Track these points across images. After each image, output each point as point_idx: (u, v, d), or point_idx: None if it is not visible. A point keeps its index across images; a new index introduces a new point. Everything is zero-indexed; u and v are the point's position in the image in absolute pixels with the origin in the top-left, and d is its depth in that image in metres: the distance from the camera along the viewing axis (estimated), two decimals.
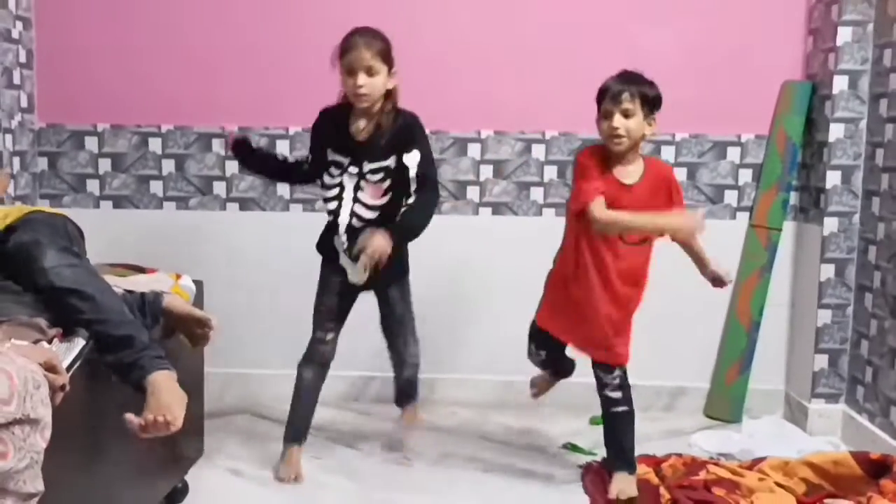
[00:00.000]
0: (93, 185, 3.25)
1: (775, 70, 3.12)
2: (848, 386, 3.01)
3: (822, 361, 3.02)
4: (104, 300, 1.74)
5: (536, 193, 3.21)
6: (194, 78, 3.18)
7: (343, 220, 2.43)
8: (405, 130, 2.42)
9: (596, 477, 2.59)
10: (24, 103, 3.11)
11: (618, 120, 2.28)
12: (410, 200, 2.44)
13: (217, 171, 3.24)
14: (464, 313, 3.21)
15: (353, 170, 2.42)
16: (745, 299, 3.17)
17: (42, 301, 1.73)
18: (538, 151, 3.20)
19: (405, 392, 2.86)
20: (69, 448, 1.57)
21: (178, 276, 2.27)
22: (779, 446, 2.75)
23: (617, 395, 2.45)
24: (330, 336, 2.56)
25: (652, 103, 2.32)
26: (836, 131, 2.93)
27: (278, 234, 3.19)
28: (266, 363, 3.26)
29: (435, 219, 3.19)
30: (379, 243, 2.32)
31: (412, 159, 2.41)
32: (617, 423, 2.47)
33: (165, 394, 1.70)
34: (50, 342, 1.64)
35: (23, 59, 3.10)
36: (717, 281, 2.48)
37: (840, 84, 2.92)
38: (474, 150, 3.21)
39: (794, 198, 3.16)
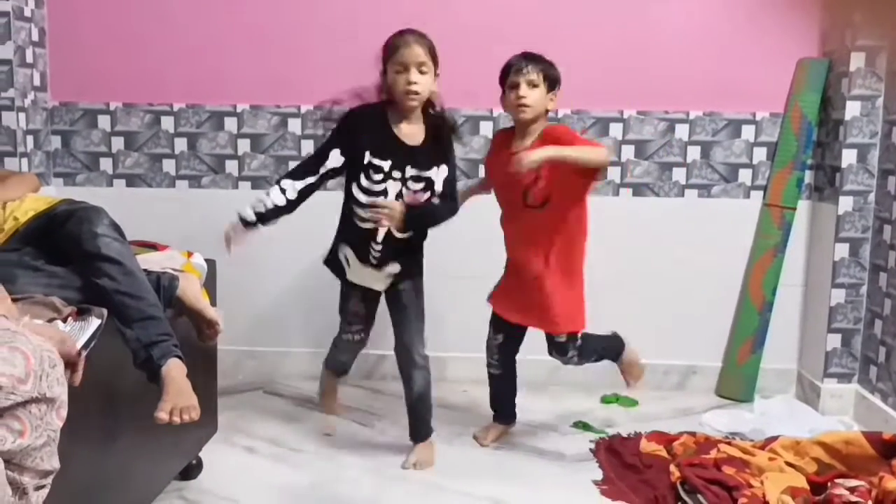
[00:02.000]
0: (106, 164, 3.26)
1: (791, 47, 3.09)
2: (861, 366, 3.00)
3: (835, 341, 3.01)
4: (142, 279, 1.85)
5: None
6: (206, 56, 3.18)
7: (381, 234, 2.37)
8: (444, 140, 2.41)
9: (609, 453, 2.60)
10: (36, 82, 3.12)
11: (524, 89, 2.39)
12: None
13: (229, 150, 3.24)
14: (475, 292, 3.21)
15: (397, 174, 2.34)
16: (758, 279, 3.15)
17: (78, 267, 1.82)
18: None
19: (418, 415, 2.58)
20: (85, 426, 1.59)
21: (190, 254, 2.28)
22: (790, 426, 2.76)
23: (585, 364, 2.65)
24: (358, 337, 2.63)
25: (553, 81, 2.44)
26: (852, 109, 2.90)
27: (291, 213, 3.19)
28: (278, 341, 3.28)
29: None
30: (395, 205, 2.33)
31: (440, 174, 2.40)
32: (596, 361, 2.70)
33: (182, 381, 1.79)
34: (65, 321, 1.66)
35: (35, 37, 3.10)
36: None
37: (857, 61, 2.88)
38: (486, 128, 3.19)
39: (808, 176, 3.13)
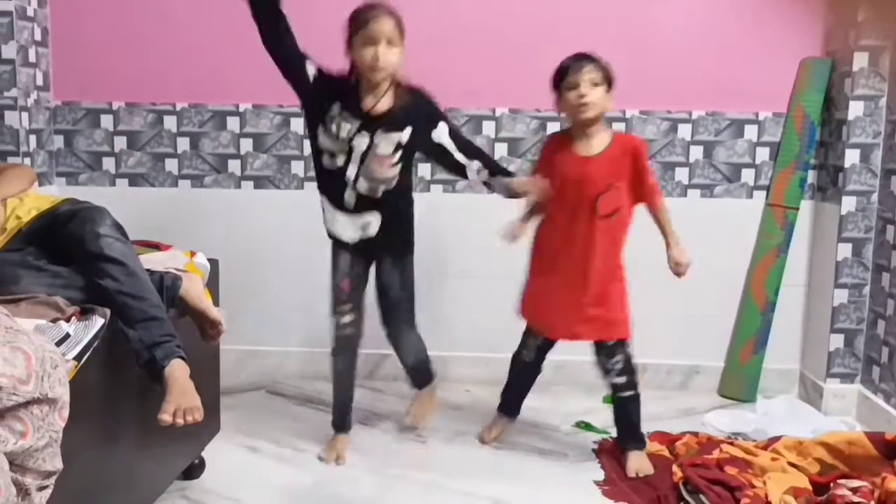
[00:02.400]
0: (108, 163, 3.26)
1: (794, 47, 3.08)
2: (863, 366, 2.99)
3: (837, 341, 3.01)
4: (144, 279, 1.85)
5: None
6: (209, 56, 3.18)
7: (351, 174, 2.37)
8: (422, 105, 2.40)
9: (610, 453, 2.60)
10: (39, 81, 3.12)
11: (585, 87, 2.35)
12: (472, 162, 2.43)
13: (232, 150, 3.24)
14: (478, 292, 3.21)
15: (365, 135, 2.35)
16: (761, 279, 3.15)
17: (81, 267, 1.81)
18: (553, 129, 3.18)
19: (417, 375, 2.74)
20: (87, 426, 1.59)
21: (193, 254, 2.28)
22: (793, 426, 2.75)
23: (622, 380, 2.50)
24: (347, 318, 2.52)
25: (610, 80, 2.41)
26: (855, 109, 2.90)
27: (292, 213, 3.19)
28: (281, 340, 3.28)
29: (450, 197, 3.21)
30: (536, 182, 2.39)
31: (442, 132, 2.40)
32: (626, 406, 2.53)
33: (186, 382, 1.79)
34: (68, 321, 1.66)
35: (38, 36, 3.10)
36: (677, 267, 2.48)
37: (860, 61, 2.88)
38: (489, 128, 3.19)
39: (811, 176, 3.13)
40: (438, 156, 2.46)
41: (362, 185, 2.39)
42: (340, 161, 2.37)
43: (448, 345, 3.24)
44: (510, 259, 3.26)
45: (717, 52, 3.09)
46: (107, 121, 3.24)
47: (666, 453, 2.58)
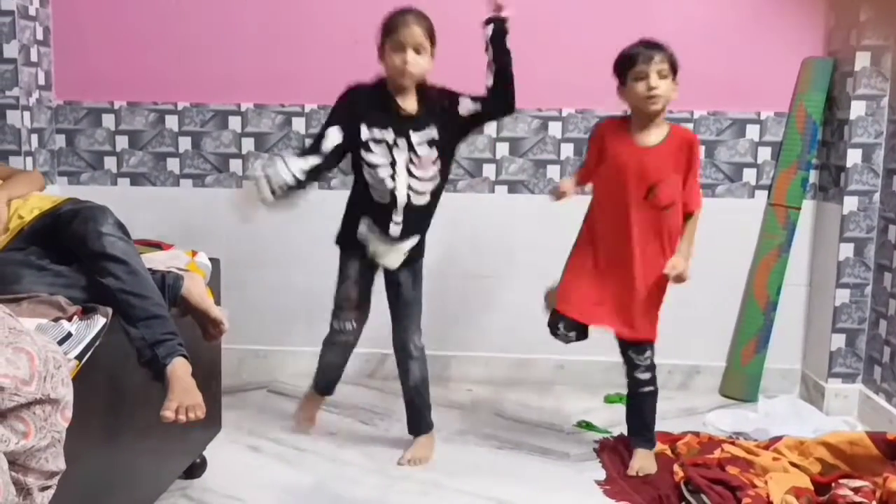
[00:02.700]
0: (110, 163, 3.27)
1: (796, 46, 3.08)
2: (865, 366, 2.99)
3: (839, 341, 3.01)
4: (146, 278, 1.85)
5: (553, 171, 3.19)
6: (211, 55, 3.18)
7: (401, 197, 2.36)
8: (441, 95, 2.40)
9: (612, 452, 2.60)
10: (41, 80, 3.12)
11: (654, 80, 2.30)
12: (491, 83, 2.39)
13: (233, 149, 3.24)
14: (480, 291, 3.21)
15: (402, 143, 2.35)
16: (763, 278, 3.15)
17: (83, 267, 1.82)
18: (555, 129, 3.18)
19: (416, 408, 2.60)
20: (89, 425, 1.59)
21: (195, 254, 2.28)
22: (794, 426, 2.75)
23: (647, 375, 2.49)
24: (349, 326, 2.52)
25: (676, 70, 2.36)
26: (857, 109, 2.89)
27: (294, 212, 3.18)
28: (283, 340, 3.29)
29: (452, 197, 3.20)
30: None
31: (465, 104, 2.38)
32: (644, 402, 2.52)
33: (187, 380, 1.79)
34: (70, 320, 1.66)
35: (40, 36, 3.11)
36: (676, 276, 2.40)
37: (862, 60, 2.87)
38: (490, 128, 3.19)
39: (813, 176, 3.12)
40: (477, 121, 2.45)
41: (415, 199, 2.38)
42: (389, 183, 2.35)
43: (450, 344, 3.24)
44: (514, 259, 3.26)
45: (718, 51, 3.09)
46: (108, 120, 3.24)
47: (668, 453, 2.58)
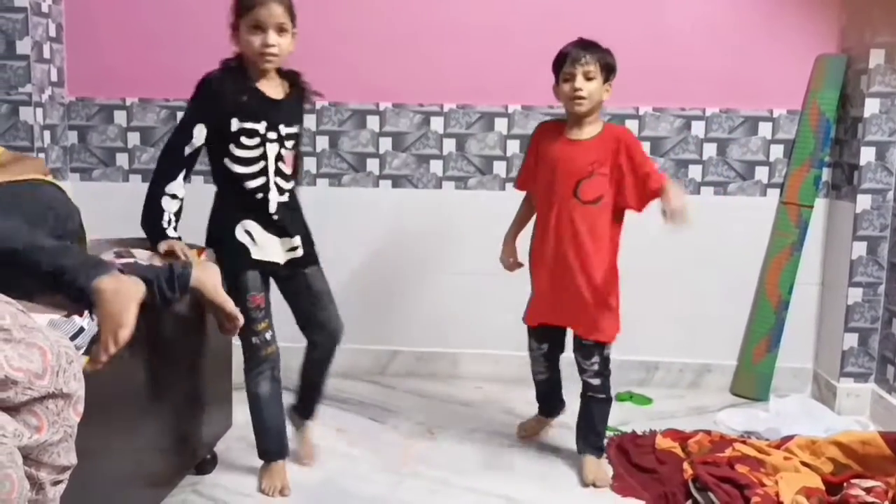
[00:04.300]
0: (122, 159, 3.28)
1: (809, 43, 3.06)
2: (878, 365, 2.97)
3: (851, 340, 2.99)
4: (24, 246, 1.61)
5: None
6: (221, 52, 3.16)
7: (274, 196, 2.19)
8: (302, 97, 2.27)
9: (619, 450, 2.60)
10: (53, 77, 3.14)
11: (580, 81, 2.29)
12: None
13: None
14: (489, 289, 3.21)
15: (273, 135, 2.16)
16: (775, 277, 3.13)
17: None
18: None
19: (312, 399, 2.50)
20: (100, 421, 1.60)
21: (202, 252, 2.25)
22: (806, 425, 2.74)
23: (596, 381, 2.43)
24: (269, 334, 2.29)
25: (609, 70, 2.34)
26: (871, 106, 2.87)
27: (305, 209, 3.19)
28: (293, 336, 3.27)
29: (462, 193, 3.21)
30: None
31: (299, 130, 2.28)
32: (592, 408, 2.46)
33: (109, 303, 1.59)
34: (82, 315, 1.66)
35: (52, 32, 3.12)
36: (672, 213, 2.22)
37: (876, 58, 2.85)
38: (501, 125, 3.18)
39: (826, 174, 3.11)
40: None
41: (283, 197, 2.22)
42: (261, 180, 2.18)
43: (459, 342, 3.24)
44: (523, 256, 3.25)
45: (731, 48, 3.07)
46: (120, 117, 3.25)
47: (678, 451, 2.57)
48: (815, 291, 3.16)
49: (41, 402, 1.25)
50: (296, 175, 2.30)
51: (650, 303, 3.17)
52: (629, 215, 2.43)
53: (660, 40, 3.09)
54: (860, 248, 2.95)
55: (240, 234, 2.20)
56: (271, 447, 2.35)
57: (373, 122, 3.20)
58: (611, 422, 2.82)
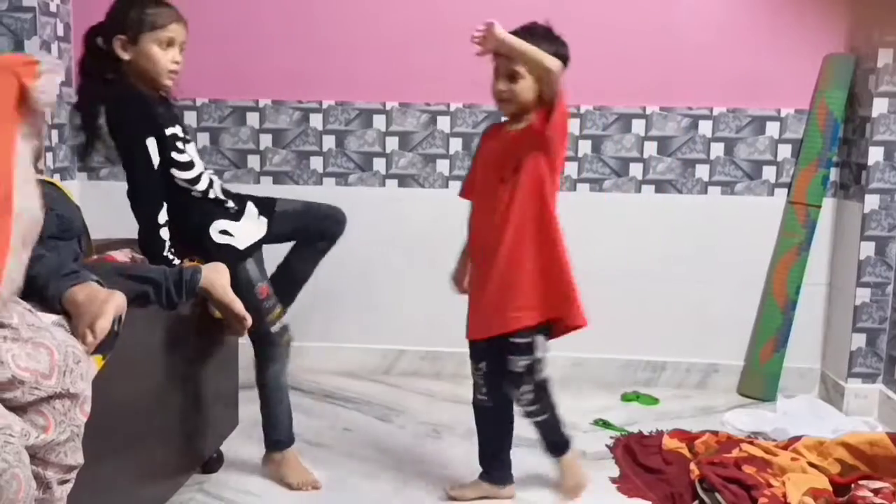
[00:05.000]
0: None
1: (817, 42, 3.05)
2: (886, 366, 2.96)
3: (859, 340, 2.98)
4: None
5: (570, 168, 3.18)
6: (228, 52, 3.18)
7: (217, 188, 2.20)
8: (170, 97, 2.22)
9: (626, 450, 2.60)
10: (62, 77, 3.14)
11: (502, 82, 2.07)
12: None
13: (251, 145, 3.25)
14: None
15: (188, 137, 2.17)
16: (782, 277, 3.12)
17: None
18: (572, 126, 3.16)
19: (295, 280, 2.42)
20: (107, 420, 1.60)
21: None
22: (813, 425, 2.73)
23: (525, 390, 2.19)
24: (286, 321, 2.32)
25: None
26: (879, 106, 2.86)
27: None
28: (299, 336, 3.27)
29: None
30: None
31: None
32: (534, 423, 2.25)
33: (82, 309, 1.56)
34: None
35: (60, 32, 3.13)
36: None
37: (884, 57, 2.84)
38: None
39: (834, 174, 3.09)
40: None
41: (217, 185, 2.22)
42: (206, 180, 2.17)
43: (465, 341, 3.23)
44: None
45: (738, 48, 3.06)
46: None
47: (685, 451, 2.56)
48: (822, 291, 3.15)
49: (48, 401, 1.26)
50: None
51: (657, 303, 3.17)
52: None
53: (667, 40, 3.08)
54: (868, 248, 2.93)
55: (216, 236, 2.16)
56: (284, 436, 2.37)
57: (379, 122, 3.20)
58: (618, 422, 2.83)
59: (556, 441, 2.29)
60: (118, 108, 2.05)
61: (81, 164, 2.47)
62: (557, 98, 2.03)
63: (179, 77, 2.12)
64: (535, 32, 2.10)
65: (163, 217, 2.07)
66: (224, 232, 2.18)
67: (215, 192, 2.20)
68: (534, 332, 2.15)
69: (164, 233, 2.06)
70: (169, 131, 2.08)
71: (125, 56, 2.05)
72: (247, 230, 2.22)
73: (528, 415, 2.24)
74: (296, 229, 2.35)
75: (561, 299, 2.14)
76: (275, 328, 2.26)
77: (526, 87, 2.07)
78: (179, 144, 2.11)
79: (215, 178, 2.24)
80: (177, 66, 2.08)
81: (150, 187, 2.08)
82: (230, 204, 2.22)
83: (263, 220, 2.28)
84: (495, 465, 2.32)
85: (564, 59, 2.10)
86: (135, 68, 2.06)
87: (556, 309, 2.15)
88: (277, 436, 2.37)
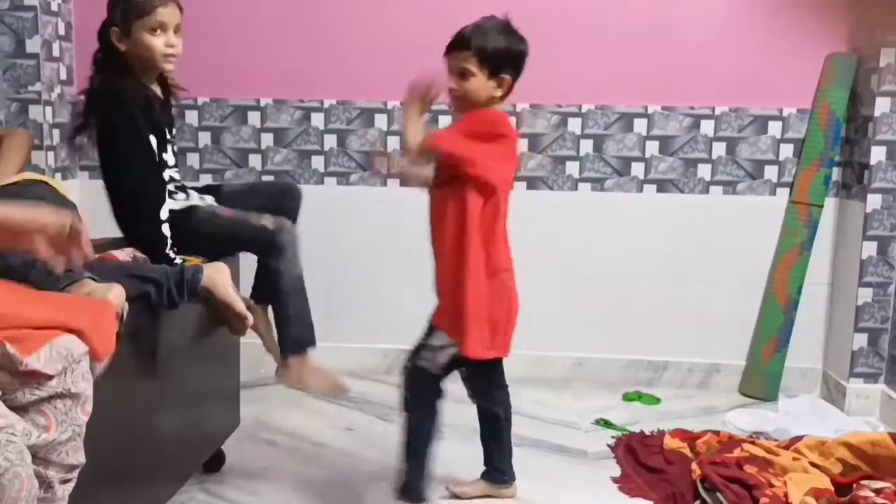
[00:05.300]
0: None
1: (819, 42, 3.04)
2: (888, 366, 2.96)
3: (861, 340, 2.98)
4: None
5: (572, 167, 3.18)
6: (229, 51, 3.18)
7: (194, 194, 2.20)
8: (174, 94, 2.24)
9: (627, 449, 2.59)
10: (63, 75, 3.14)
11: (453, 80, 1.99)
12: None
13: (252, 144, 3.25)
14: None
15: (169, 137, 2.15)
16: (784, 277, 3.12)
17: None
18: (574, 125, 3.16)
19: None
20: (108, 420, 1.60)
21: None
22: (815, 425, 2.73)
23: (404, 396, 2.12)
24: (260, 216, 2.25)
25: (495, 60, 1.95)
26: (881, 105, 2.86)
27: (313, 207, 3.17)
28: None
29: None
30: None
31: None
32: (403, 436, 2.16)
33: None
34: None
35: (62, 31, 3.13)
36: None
37: (887, 57, 2.84)
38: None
39: (836, 173, 3.09)
40: None
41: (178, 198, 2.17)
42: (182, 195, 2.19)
43: None
44: (527, 258, 3.25)
45: (740, 47, 3.06)
46: None
47: (687, 451, 2.56)
48: (824, 291, 3.15)
49: (49, 401, 1.26)
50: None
51: (659, 302, 3.17)
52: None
53: (669, 39, 3.07)
54: (870, 248, 2.93)
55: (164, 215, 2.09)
56: (305, 334, 2.21)
57: (381, 121, 3.20)
58: (620, 422, 2.83)
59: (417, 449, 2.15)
60: (121, 104, 2.04)
61: (68, 146, 2.45)
62: (446, 157, 1.96)
63: (178, 59, 2.10)
64: (488, 28, 1.99)
65: (164, 213, 2.06)
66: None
67: (189, 196, 2.21)
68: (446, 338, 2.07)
69: (166, 229, 2.06)
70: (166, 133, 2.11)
71: (122, 47, 2.06)
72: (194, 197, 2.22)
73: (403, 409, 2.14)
74: (247, 207, 2.24)
75: (452, 323, 2.05)
76: (265, 222, 2.16)
77: (478, 86, 1.97)
78: (167, 145, 2.12)
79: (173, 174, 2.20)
80: (172, 49, 2.06)
81: (154, 185, 2.07)
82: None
83: (209, 198, 2.27)
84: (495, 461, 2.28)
85: (520, 56, 2.01)
86: (134, 58, 2.06)
87: (451, 330, 2.06)
88: (294, 332, 2.19)
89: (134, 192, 2.07)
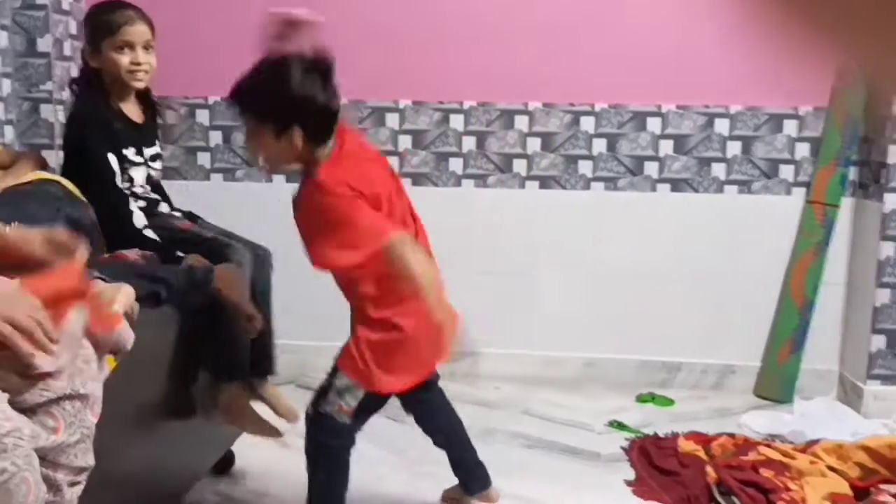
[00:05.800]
0: None
1: None
2: None
3: (879, 342, 2.94)
4: None
5: (585, 167, 3.15)
6: (239, 49, 3.15)
7: (139, 217, 2.13)
8: (160, 113, 2.30)
9: (641, 452, 2.57)
10: (74, 75, 3.14)
11: (252, 147, 1.90)
12: None
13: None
14: (508, 288, 3.18)
15: (139, 159, 2.16)
16: (800, 277, 3.08)
17: None
18: (587, 124, 3.14)
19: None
20: (118, 421, 1.59)
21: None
22: (832, 428, 2.69)
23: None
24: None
25: (273, 116, 1.74)
26: None
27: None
28: (312, 334, 3.28)
29: (479, 192, 3.18)
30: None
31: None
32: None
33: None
34: None
35: (73, 30, 3.12)
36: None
37: None
38: (521, 123, 3.16)
39: (853, 173, 3.05)
40: None
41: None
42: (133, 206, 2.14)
43: (477, 341, 3.21)
44: (539, 257, 3.23)
45: (754, 44, 3.02)
46: None
47: (701, 454, 2.53)
48: (841, 292, 3.11)
49: (58, 403, 1.24)
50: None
51: (672, 302, 3.14)
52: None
53: (683, 37, 3.04)
54: (888, 249, 2.89)
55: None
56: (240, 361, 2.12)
57: (392, 120, 3.18)
58: (633, 424, 2.81)
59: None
60: (76, 125, 2.12)
61: None
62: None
63: (150, 75, 2.17)
64: (243, 98, 1.86)
65: (140, 222, 2.09)
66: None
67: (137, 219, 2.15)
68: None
69: (150, 233, 2.07)
70: (124, 152, 2.12)
71: (94, 65, 2.13)
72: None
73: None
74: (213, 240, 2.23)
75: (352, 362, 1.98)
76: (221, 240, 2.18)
77: (277, 147, 1.79)
78: (126, 165, 2.12)
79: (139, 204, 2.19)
80: (138, 66, 2.11)
81: (117, 202, 2.08)
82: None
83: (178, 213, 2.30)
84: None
85: (285, 115, 1.77)
86: (106, 75, 2.13)
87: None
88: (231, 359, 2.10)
89: (101, 210, 2.02)
